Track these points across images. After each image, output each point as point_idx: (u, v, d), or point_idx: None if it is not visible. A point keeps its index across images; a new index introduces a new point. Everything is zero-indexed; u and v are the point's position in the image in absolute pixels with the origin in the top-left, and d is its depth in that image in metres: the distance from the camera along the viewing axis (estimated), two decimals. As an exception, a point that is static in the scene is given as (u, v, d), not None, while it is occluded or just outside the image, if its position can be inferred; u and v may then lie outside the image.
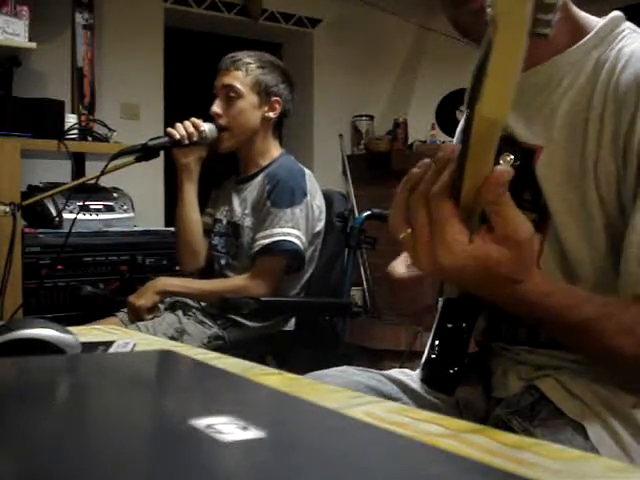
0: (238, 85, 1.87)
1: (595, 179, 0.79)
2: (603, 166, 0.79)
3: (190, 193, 1.96)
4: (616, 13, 0.87)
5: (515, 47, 0.49)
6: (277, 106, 1.93)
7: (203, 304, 1.96)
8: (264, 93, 1.90)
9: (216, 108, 1.89)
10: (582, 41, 0.84)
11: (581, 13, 0.88)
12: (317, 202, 1.93)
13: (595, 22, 0.87)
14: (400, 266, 0.97)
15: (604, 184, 0.79)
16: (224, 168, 2.10)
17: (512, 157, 0.80)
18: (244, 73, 1.88)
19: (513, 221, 0.60)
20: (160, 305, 1.98)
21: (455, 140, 1.09)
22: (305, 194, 1.88)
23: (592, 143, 0.80)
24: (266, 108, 1.92)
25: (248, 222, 1.92)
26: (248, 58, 1.90)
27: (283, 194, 1.85)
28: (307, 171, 1.95)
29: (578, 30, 0.85)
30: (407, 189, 0.65)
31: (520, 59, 0.50)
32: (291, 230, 1.83)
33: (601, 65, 0.82)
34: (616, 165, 0.78)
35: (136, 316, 1.89)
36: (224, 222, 1.99)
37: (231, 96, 1.88)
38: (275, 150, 1.98)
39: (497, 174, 0.58)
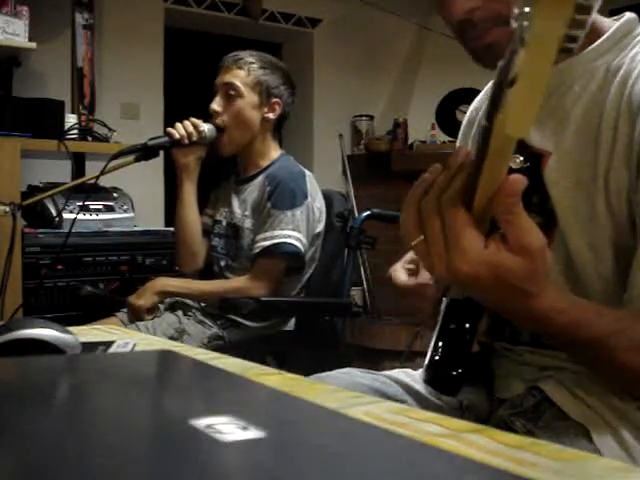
0: (238, 83, 1.87)
1: (605, 188, 0.78)
2: (615, 175, 0.77)
3: (189, 193, 1.95)
4: (630, 15, 0.84)
5: (544, 66, 0.48)
6: (277, 107, 1.92)
7: (203, 304, 1.96)
8: (265, 94, 1.90)
9: (215, 105, 1.89)
10: (595, 44, 0.83)
11: (595, 15, 0.85)
12: (317, 204, 1.92)
13: (608, 24, 0.84)
14: (401, 273, 0.96)
15: (614, 194, 0.77)
16: (223, 168, 2.09)
17: (522, 159, 0.79)
18: (246, 72, 1.88)
19: (526, 231, 0.60)
20: (160, 305, 1.98)
21: (458, 142, 1.09)
22: (306, 196, 1.88)
23: (605, 151, 0.78)
24: (266, 109, 1.91)
25: (248, 224, 1.91)
26: (251, 58, 1.90)
27: (284, 196, 1.85)
28: (307, 172, 1.94)
29: (591, 32, 0.82)
30: (418, 194, 0.64)
31: (547, 77, 0.49)
32: (292, 232, 1.83)
33: (614, 71, 0.80)
34: (629, 175, 0.76)
35: (136, 316, 1.90)
36: (224, 223, 1.99)
37: (231, 94, 1.88)
38: (275, 151, 1.98)
39: (511, 182, 0.58)
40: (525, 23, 0.48)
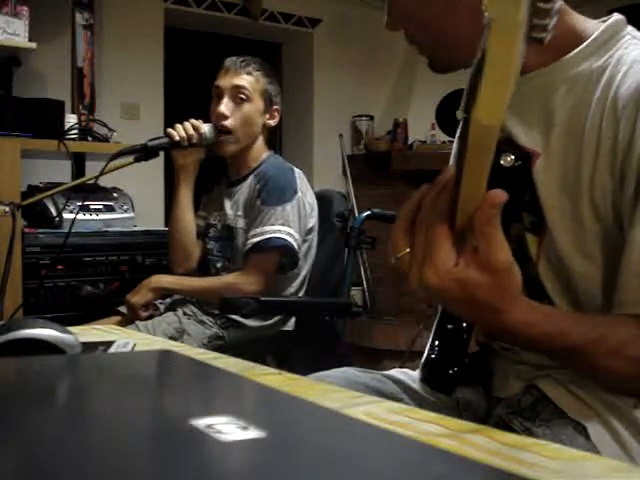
0: (250, 89, 1.90)
1: (590, 190, 0.78)
2: (599, 178, 0.78)
3: (186, 194, 1.96)
4: (617, 17, 0.85)
5: (509, 51, 0.49)
6: (276, 115, 1.98)
7: (202, 303, 1.96)
8: (268, 101, 1.94)
9: (224, 109, 1.89)
10: (580, 47, 0.83)
11: (581, 18, 0.86)
12: (308, 199, 1.94)
13: (595, 27, 0.84)
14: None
15: (599, 196, 0.78)
16: (216, 171, 2.10)
17: (513, 157, 0.80)
18: (255, 79, 1.91)
19: (497, 246, 0.61)
20: (160, 305, 1.99)
21: (455, 142, 1.09)
22: (295, 191, 1.89)
23: (589, 154, 0.79)
24: (267, 116, 1.96)
25: (241, 223, 1.93)
26: (256, 65, 1.93)
27: (273, 192, 1.87)
28: (297, 170, 1.97)
29: (577, 36, 0.84)
30: (409, 210, 0.67)
31: (514, 63, 0.50)
32: (282, 227, 1.84)
33: (600, 73, 0.81)
34: (612, 179, 0.77)
35: (133, 314, 1.91)
36: (218, 227, 2.00)
37: (241, 98, 1.89)
38: (264, 152, 2.00)
39: (493, 195, 0.59)
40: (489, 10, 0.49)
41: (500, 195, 0.59)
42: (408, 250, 0.66)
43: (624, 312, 0.74)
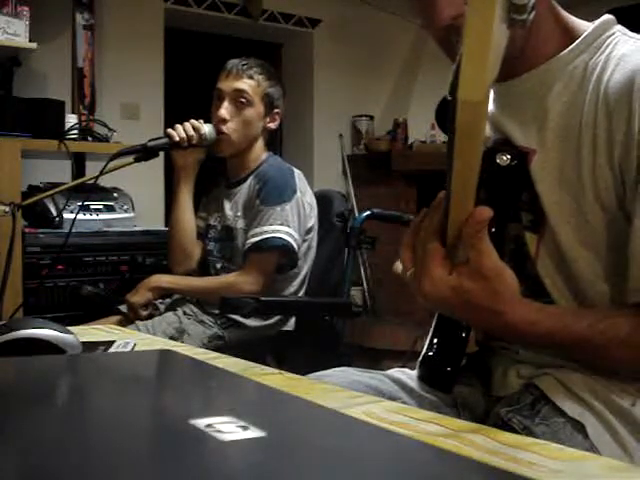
0: (251, 93, 1.90)
1: (593, 184, 0.80)
2: (600, 170, 0.79)
3: (186, 195, 1.97)
4: (606, 16, 0.87)
5: (485, 24, 0.49)
6: (277, 118, 1.98)
7: (203, 303, 1.96)
8: (269, 105, 1.94)
9: (225, 112, 1.89)
10: (572, 46, 0.85)
11: (572, 18, 0.88)
12: (307, 199, 1.94)
13: (586, 27, 0.87)
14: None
15: (603, 189, 0.79)
16: (215, 172, 2.10)
17: (509, 157, 0.81)
18: (256, 83, 1.91)
19: (485, 254, 0.66)
20: (161, 305, 1.99)
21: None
22: (295, 191, 1.89)
23: (587, 149, 0.80)
24: (268, 119, 1.96)
25: (241, 224, 1.93)
26: (259, 68, 1.92)
27: (272, 192, 1.87)
28: (296, 170, 1.97)
29: (569, 35, 0.86)
30: (410, 234, 0.75)
31: (492, 36, 0.49)
32: (280, 227, 1.84)
33: (591, 70, 0.83)
34: (612, 172, 0.78)
35: (132, 313, 1.91)
36: (218, 227, 2.01)
37: (241, 102, 1.89)
38: (263, 153, 2.00)
39: (478, 212, 0.64)
40: None
41: (486, 211, 0.64)
42: (414, 269, 0.73)
43: (634, 301, 0.76)
